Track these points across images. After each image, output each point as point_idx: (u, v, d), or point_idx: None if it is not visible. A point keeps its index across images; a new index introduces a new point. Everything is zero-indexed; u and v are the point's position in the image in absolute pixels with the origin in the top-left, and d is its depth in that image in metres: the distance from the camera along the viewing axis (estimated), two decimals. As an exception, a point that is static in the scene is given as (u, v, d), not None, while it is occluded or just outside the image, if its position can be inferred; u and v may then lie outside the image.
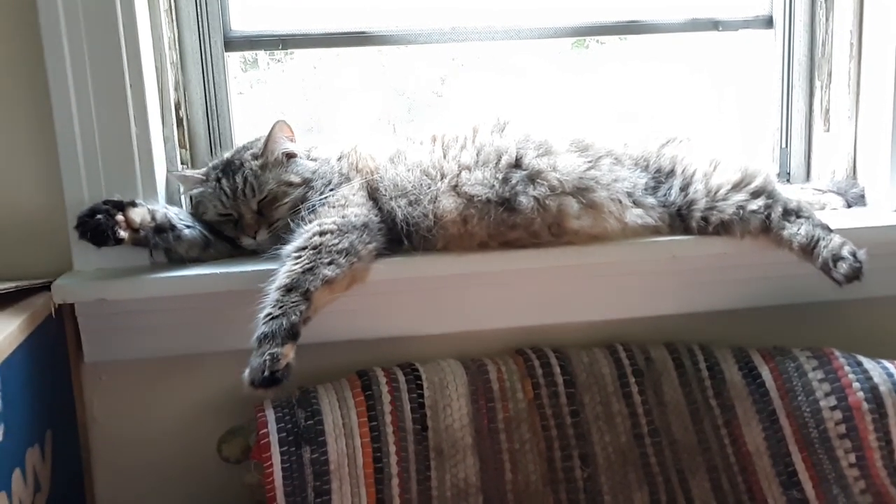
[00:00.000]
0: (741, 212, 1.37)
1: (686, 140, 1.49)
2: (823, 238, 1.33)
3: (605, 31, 1.70)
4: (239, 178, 1.34)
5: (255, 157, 1.38)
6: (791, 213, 1.37)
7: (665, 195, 1.41)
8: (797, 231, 1.35)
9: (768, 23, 1.69)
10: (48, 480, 1.24)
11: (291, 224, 1.31)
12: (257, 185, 1.34)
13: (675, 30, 1.69)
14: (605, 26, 1.67)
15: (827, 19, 1.63)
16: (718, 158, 1.44)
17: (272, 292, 1.18)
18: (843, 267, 1.30)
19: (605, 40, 1.75)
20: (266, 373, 1.10)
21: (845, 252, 1.31)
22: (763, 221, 1.36)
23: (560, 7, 1.63)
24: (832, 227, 1.37)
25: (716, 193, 1.39)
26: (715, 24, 1.68)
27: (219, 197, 1.35)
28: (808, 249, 1.33)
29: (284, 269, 1.21)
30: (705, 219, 1.39)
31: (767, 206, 1.37)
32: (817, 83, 1.67)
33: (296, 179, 1.36)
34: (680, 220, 1.41)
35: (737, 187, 1.39)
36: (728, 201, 1.38)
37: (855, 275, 1.30)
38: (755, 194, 1.39)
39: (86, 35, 1.27)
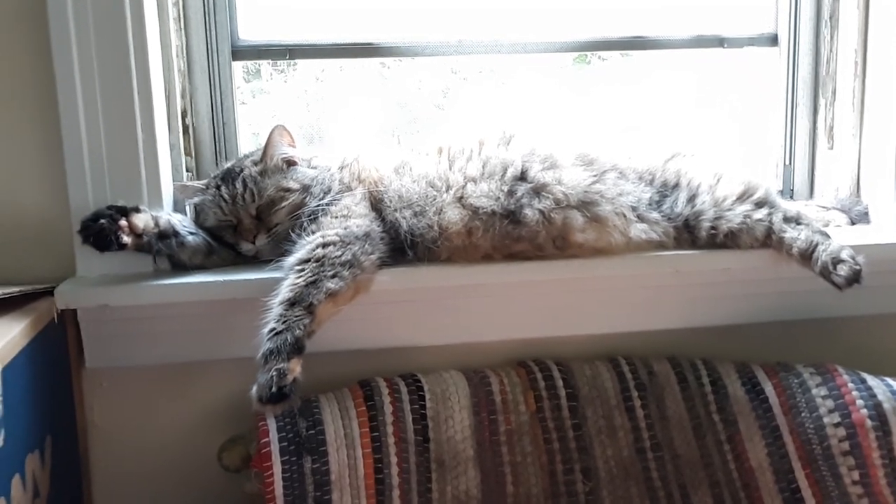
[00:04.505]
0: (748, 220, 1.38)
1: (690, 155, 1.51)
2: (822, 243, 1.33)
3: (610, 47, 1.70)
4: (239, 184, 1.35)
5: (255, 163, 1.38)
6: (791, 220, 1.38)
7: (671, 207, 1.42)
8: (797, 235, 1.35)
9: (773, 41, 1.70)
10: (47, 486, 1.23)
11: (291, 232, 1.30)
12: (256, 191, 1.34)
13: (680, 46, 1.70)
14: (610, 41, 1.68)
15: (831, 38, 1.64)
16: (721, 172, 1.46)
17: (275, 307, 1.17)
18: (843, 269, 1.30)
19: (608, 56, 1.76)
20: (274, 389, 1.09)
21: (845, 255, 1.31)
22: (767, 228, 1.38)
23: (563, 23, 1.64)
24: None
25: (722, 204, 1.41)
26: (720, 42, 1.69)
27: (218, 203, 1.35)
28: (808, 254, 1.34)
29: (287, 282, 1.20)
30: (714, 228, 1.40)
31: (770, 214, 1.39)
32: (821, 101, 1.67)
33: (294, 185, 1.36)
34: (687, 231, 1.42)
35: (741, 198, 1.41)
36: (734, 211, 1.40)
37: (855, 277, 1.29)
38: (759, 204, 1.41)
39: (95, 41, 1.27)
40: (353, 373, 1.38)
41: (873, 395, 1.32)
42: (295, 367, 1.12)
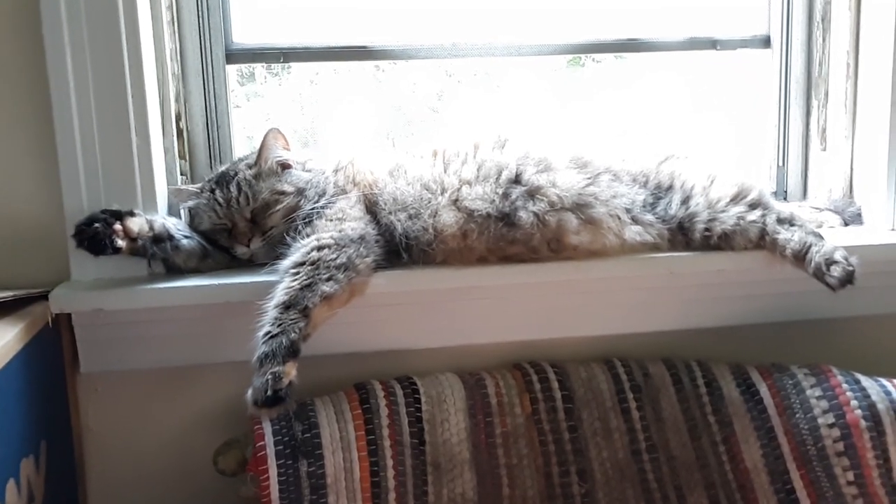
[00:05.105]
0: (741, 222, 1.39)
1: (683, 157, 1.52)
2: (816, 244, 1.34)
3: (604, 49, 1.71)
4: (233, 188, 1.34)
5: (250, 166, 1.38)
6: (785, 221, 1.39)
7: (665, 209, 1.42)
8: (791, 237, 1.36)
9: (766, 42, 1.71)
10: (42, 491, 1.23)
11: (286, 235, 1.30)
12: (251, 194, 1.34)
13: (674, 48, 1.70)
14: (604, 44, 1.68)
15: (824, 39, 1.65)
16: (714, 173, 1.47)
17: (270, 310, 1.17)
18: (836, 271, 1.30)
19: (601, 59, 1.76)
20: (269, 392, 1.09)
21: (838, 256, 1.32)
22: (761, 230, 1.39)
23: (557, 25, 1.64)
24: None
25: (715, 205, 1.42)
26: (713, 44, 1.70)
27: (213, 207, 1.35)
28: (801, 255, 1.35)
29: (282, 285, 1.20)
30: (708, 230, 1.40)
31: (763, 216, 1.40)
32: (814, 102, 1.68)
33: (289, 189, 1.35)
34: (681, 233, 1.42)
35: (734, 200, 1.42)
36: (728, 213, 1.40)
37: (848, 278, 1.30)
38: (752, 206, 1.41)
39: (88, 45, 1.27)
40: (349, 376, 1.38)
41: (867, 396, 1.32)
42: (290, 371, 1.12)
